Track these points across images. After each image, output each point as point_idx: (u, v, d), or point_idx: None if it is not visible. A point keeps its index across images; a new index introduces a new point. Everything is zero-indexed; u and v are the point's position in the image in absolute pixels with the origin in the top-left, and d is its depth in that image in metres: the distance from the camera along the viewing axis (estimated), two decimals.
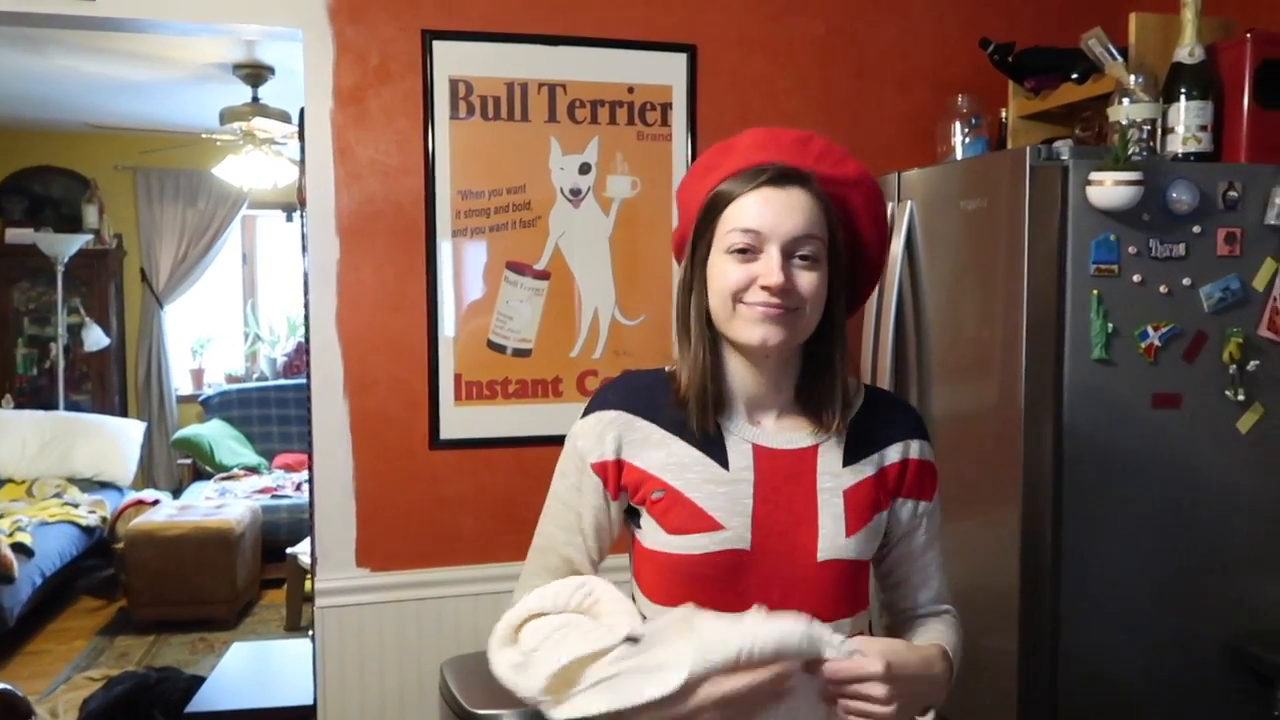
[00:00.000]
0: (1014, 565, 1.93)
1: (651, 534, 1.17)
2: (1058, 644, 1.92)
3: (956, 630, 1.25)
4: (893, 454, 1.21)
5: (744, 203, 1.12)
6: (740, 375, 1.19)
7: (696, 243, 1.16)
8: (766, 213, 1.11)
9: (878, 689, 1.01)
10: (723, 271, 1.13)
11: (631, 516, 1.21)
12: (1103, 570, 1.93)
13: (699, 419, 1.16)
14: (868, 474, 1.19)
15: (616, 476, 1.19)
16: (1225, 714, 2.00)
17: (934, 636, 1.21)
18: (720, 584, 1.13)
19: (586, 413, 1.22)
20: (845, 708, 1.03)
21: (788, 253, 1.10)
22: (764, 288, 1.10)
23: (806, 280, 1.11)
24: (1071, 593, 1.92)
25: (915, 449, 1.23)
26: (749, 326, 1.12)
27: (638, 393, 1.21)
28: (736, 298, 1.12)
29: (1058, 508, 1.91)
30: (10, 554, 4.23)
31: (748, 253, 1.11)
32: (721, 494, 1.15)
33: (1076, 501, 1.91)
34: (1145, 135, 2.01)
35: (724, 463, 1.16)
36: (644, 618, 1.10)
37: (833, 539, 1.14)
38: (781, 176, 1.12)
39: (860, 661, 1.02)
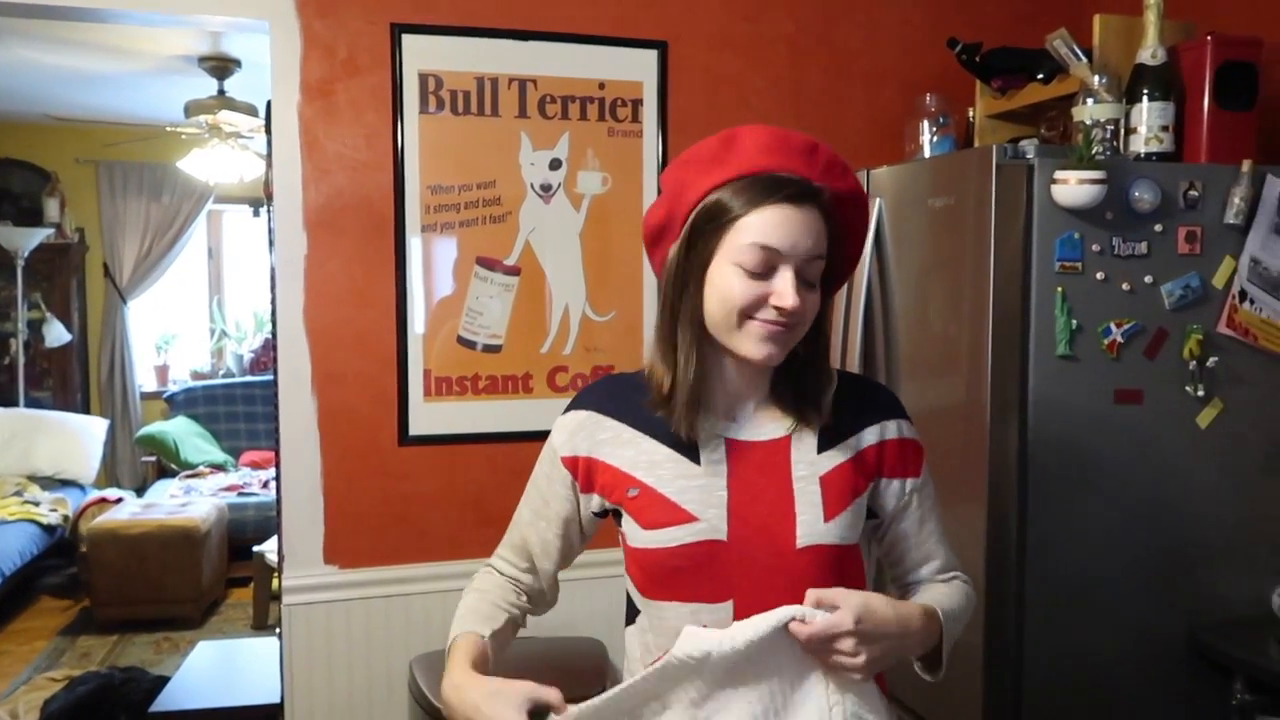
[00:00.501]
0: (980, 559, 1.95)
1: (632, 532, 1.18)
2: (1023, 637, 1.95)
3: (962, 593, 1.25)
4: (869, 436, 1.21)
5: (764, 218, 1.09)
6: (724, 376, 1.19)
7: (694, 243, 1.13)
8: (789, 233, 1.09)
9: (846, 643, 1.04)
10: (730, 285, 1.10)
11: (617, 518, 1.23)
12: (1067, 564, 1.95)
13: (686, 422, 1.16)
14: (844, 458, 1.19)
15: (587, 473, 1.22)
16: (1187, 704, 2.04)
17: (931, 597, 1.22)
18: (700, 576, 1.14)
19: (565, 411, 1.26)
20: (822, 660, 1.06)
21: (798, 273, 1.10)
22: (778, 308, 1.09)
23: (809, 300, 1.12)
24: (1036, 586, 1.94)
25: (893, 429, 1.23)
26: (756, 343, 1.11)
27: (613, 395, 1.24)
28: (745, 314, 1.11)
29: (1023, 502, 1.93)
30: None
31: (760, 268, 1.10)
32: (694, 487, 1.16)
33: (1041, 496, 1.93)
34: (1109, 135, 2.03)
35: (695, 458, 1.17)
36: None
37: (811, 525, 1.15)
38: (800, 195, 1.10)
39: (831, 618, 1.03)
